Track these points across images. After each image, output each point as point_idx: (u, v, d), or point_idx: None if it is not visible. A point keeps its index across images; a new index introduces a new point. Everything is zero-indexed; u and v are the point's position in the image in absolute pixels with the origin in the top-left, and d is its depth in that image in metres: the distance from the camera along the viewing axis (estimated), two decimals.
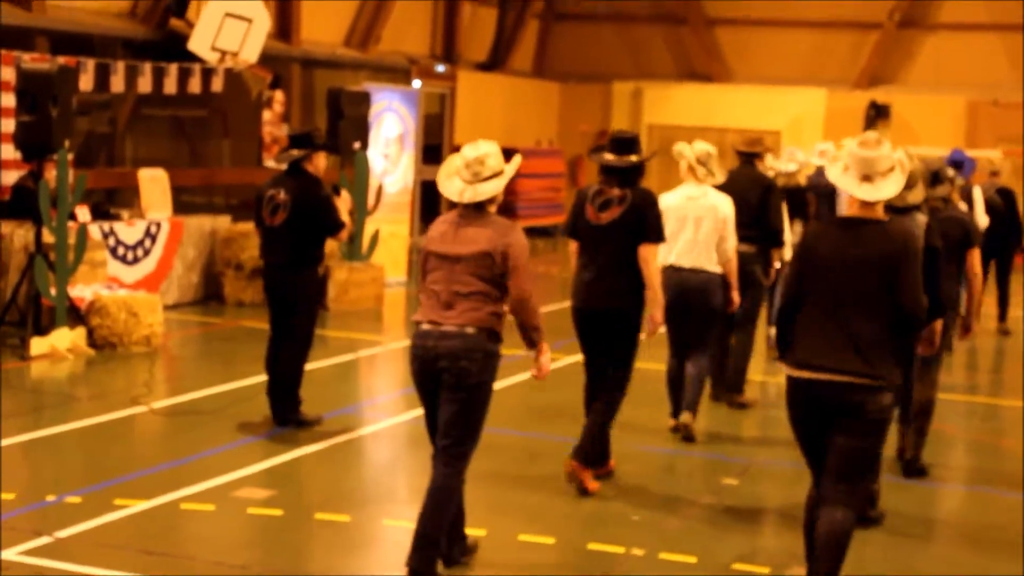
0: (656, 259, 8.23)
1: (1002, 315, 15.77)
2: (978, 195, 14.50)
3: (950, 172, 8.90)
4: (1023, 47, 24.98)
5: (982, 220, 14.41)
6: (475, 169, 6.52)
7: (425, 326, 6.51)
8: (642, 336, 8.33)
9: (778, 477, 8.97)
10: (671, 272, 9.35)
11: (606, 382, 8.28)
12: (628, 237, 8.11)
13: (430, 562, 6.42)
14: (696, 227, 9.51)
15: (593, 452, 8.28)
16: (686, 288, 9.38)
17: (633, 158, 8.21)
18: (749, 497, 8.42)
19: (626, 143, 8.27)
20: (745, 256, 10.30)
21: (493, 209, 6.62)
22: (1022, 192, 21.44)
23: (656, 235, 8.15)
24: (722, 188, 9.81)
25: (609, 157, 8.26)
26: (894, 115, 25.05)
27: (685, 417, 9.61)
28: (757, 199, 10.63)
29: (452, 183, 6.59)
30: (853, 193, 6.12)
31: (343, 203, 9.78)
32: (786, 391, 6.22)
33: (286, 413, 9.53)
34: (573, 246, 8.45)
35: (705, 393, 10.36)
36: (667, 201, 9.33)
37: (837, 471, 6.08)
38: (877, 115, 25.09)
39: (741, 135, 11.51)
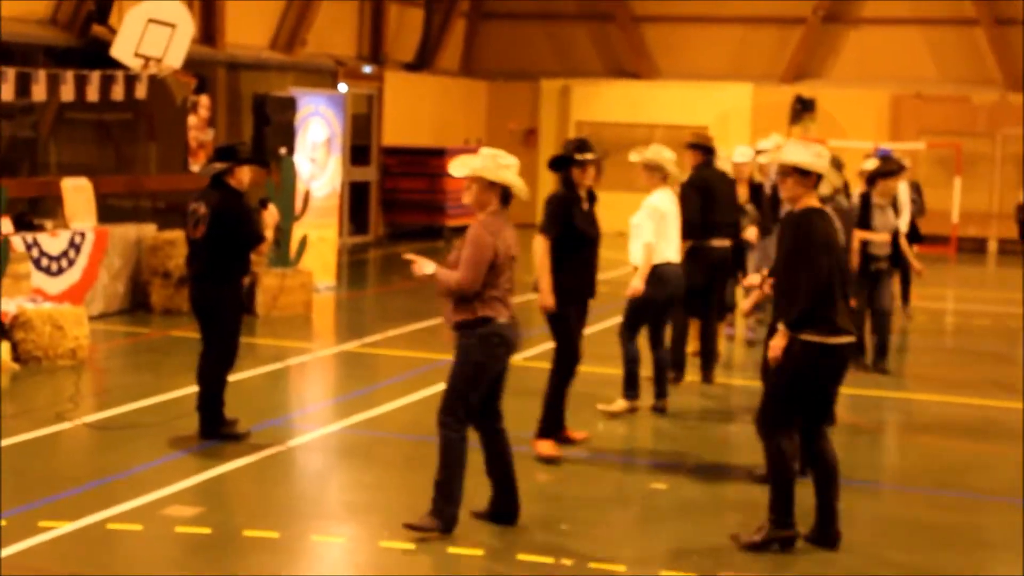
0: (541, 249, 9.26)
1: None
2: (903, 191, 14.70)
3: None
4: (944, 41, 25.32)
5: (905, 217, 14.62)
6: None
7: (509, 320, 7.54)
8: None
9: (705, 481, 9.03)
10: (671, 267, 10.35)
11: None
12: None
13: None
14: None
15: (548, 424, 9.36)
16: (680, 281, 10.49)
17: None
18: (677, 502, 8.47)
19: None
20: (727, 251, 11.60)
21: None
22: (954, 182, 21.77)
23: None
24: (703, 187, 11.26)
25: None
26: (819, 109, 25.31)
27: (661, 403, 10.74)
28: (734, 196, 12.05)
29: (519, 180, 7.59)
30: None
31: (269, 217, 9.74)
32: (820, 355, 7.30)
33: (211, 426, 9.50)
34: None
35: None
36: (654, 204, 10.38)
37: (829, 413, 7.83)
38: (803, 109, 25.34)
39: (694, 131, 12.40)
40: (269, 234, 9.63)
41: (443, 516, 7.48)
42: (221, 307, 9.52)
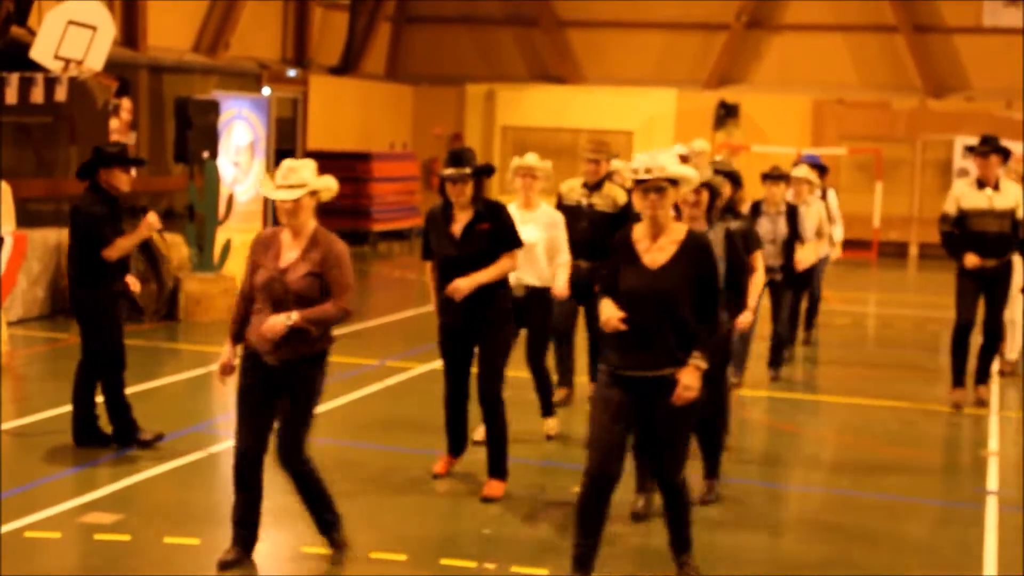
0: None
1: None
2: (832, 197, 14.58)
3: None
4: (865, 47, 25.62)
5: (838, 223, 14.49)
6: None
7: None
8: None
9: (627, 485, 9.06)
10: None
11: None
12: None
13: None
14: None
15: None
16: None
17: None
18: None
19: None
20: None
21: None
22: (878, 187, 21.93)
23: None
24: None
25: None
26: (743, 114, 25.50)
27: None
28: None
29: None
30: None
31: (144, 226, 9.46)
32: None
33: (125, 434, 9.41)
34: None
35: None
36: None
37: None
38: (726, 115, 25.52)
39: (592, 138, 11.75)
40: (127, 243, 9.32)
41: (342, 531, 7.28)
42: (92, 311, 9.35)
